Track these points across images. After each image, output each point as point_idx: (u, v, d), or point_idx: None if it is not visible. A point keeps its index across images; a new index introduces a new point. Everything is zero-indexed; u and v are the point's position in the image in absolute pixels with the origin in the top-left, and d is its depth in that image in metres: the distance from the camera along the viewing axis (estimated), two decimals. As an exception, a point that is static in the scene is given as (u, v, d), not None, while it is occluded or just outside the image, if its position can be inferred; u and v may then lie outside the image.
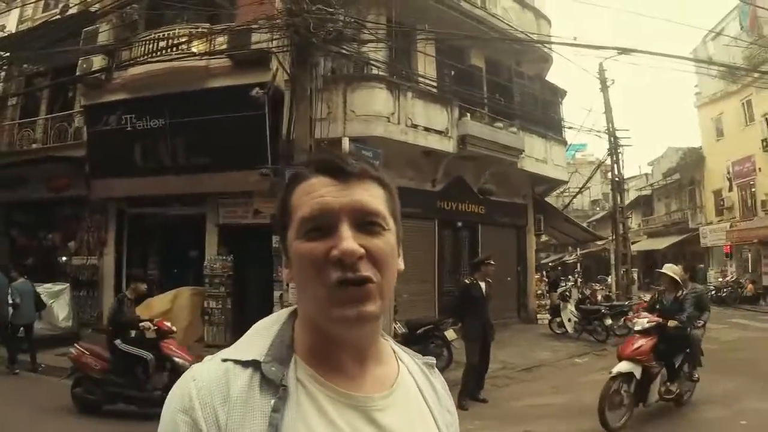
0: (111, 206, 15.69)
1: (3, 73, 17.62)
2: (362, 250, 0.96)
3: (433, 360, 1.25)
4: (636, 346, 7.57)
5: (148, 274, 15.47)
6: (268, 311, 7.77)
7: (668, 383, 8.02)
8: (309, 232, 0.99)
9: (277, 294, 11.61)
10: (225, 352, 1.02)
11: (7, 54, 16.68)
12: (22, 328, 11.59)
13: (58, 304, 13.30)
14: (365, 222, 1.00)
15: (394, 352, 1.16)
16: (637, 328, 7.97)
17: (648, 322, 7.87)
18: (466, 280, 9.97)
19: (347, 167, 1.01)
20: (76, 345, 8.66)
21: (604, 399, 7.12)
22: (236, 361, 0.99)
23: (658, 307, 8.38)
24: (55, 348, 12.36)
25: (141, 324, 8.49)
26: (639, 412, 7.72)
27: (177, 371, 7.60)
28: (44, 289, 13.11)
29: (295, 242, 1.00)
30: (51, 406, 8.63)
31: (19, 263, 16.34)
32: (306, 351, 1.03)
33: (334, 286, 0.96)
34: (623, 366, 7.39)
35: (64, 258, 16.33)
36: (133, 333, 8.48)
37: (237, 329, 12.96)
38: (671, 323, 7.72)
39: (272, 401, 0.94)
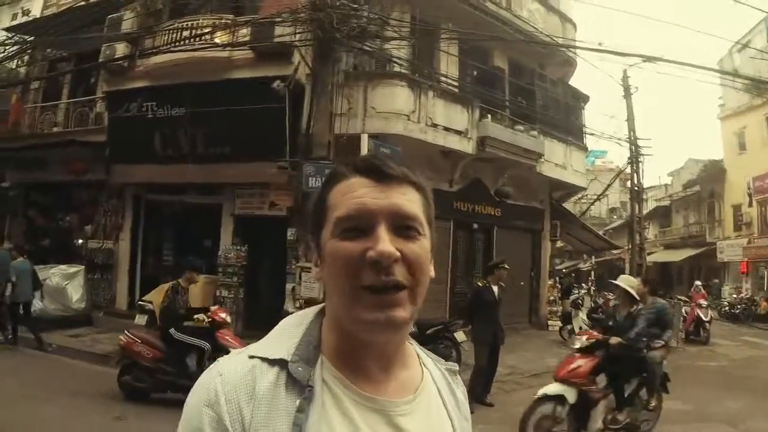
0: (128, 192, 15.79)
1: (27, 57, 17.74)
2: (398, 253, 0.96)
3: (456, 366, 1.24)
4: (572, 367, 6.81)
5: (162, 260, 15.61)
6: (281, 303, 7.87)
7: (616, 411, 7.03)
8: (345, 232, 0.98)
9: (289, 286, 11.60)
10: (252, 349, 1.02)
11: (32, 38, 16.84)
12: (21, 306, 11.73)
13: (72, 285, 13.42)
14: (402, 226, 0.99)
15: (418, 356, 1.16)
16: (575, 345, 7.29)
17: (587, 340, 7.21)
18: (479, 283, 9.91)
19: (387, 170, 1.02)
20: (126, 333, 8.63)
21: (525, 421, 6.56)
22: (263, 359, 0.98)
23: (611, 323, 7.52)
24: (67, 329, 12.51)
25: (196, 316, 8.56)
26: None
27: None
28: (59, 270, 13.26)
29: (330, 241, 0.99)
30: (59, 386, 8.72)
31: (35, 243, 16.62)
32: (332, 352, 1.03)
33: (366, 289, 0.95)
34: (551, 388, 6.68)
35: (80, 241, 16.45)
36: (187, 323, 8.51)
37: (248, 319, 13.24)
38: (613, 341, 6.82)
39: (297, 401, 0.94)
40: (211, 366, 1.01)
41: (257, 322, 13.82)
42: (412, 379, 1.10)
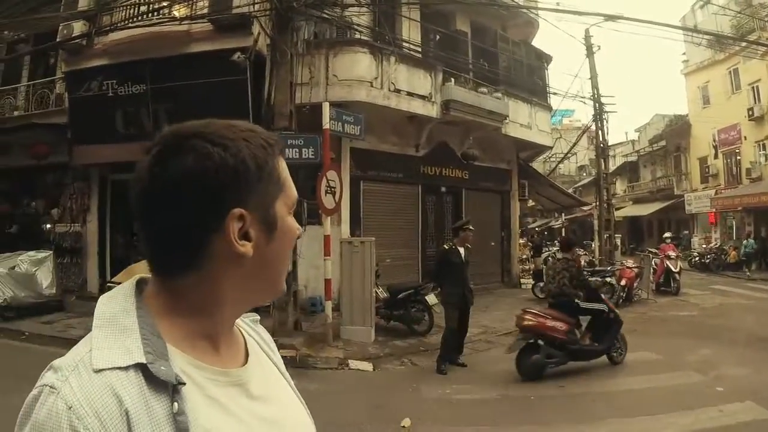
0: (93, 173, 15.61)
1: (-17, 41, 17.35)
2: None
3: (257, 316, 1.24)
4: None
5: (134, 241, 15.50)
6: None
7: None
8: (290, 211, 1.03)
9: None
10: (93, 359, 0.84)
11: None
12: None
13: (42, 271, 13.20)
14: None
15: None
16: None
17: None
18: (445, 246, 9.96)
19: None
20: (528, 312, 8.71)
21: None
22: (115, 369, 0.83)
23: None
24: (39, 316, 12.37)
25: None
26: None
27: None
28: (27, 257, 13.06)
29: (289, 218, 1.02)
30: (32, 374, 8.66)
31: (1, 231, 16.39)
32: (176, 334, 0.93)
33: None
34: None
35: (47, 225, 16.28)
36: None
37: None
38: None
39: (174, 404, 0.84)
40: (37, 397, 0.82)
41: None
42: (239, 342, 1.09)
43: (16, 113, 16.91)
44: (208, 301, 0.96)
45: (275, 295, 1.07)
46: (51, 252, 14.06)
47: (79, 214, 15.70)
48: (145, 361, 0.84)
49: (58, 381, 0.82)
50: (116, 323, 0.90)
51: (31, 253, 13.43)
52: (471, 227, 9.76)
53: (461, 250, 9.43)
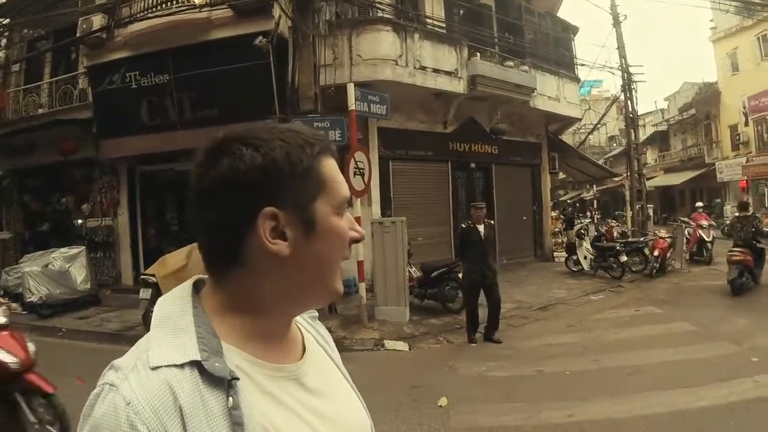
0: (121, 165, 15.62)
1: (4, 41, 17.44)
2: None
3: (315, 312, 1.25)
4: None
5: (170, 229, 15.62)
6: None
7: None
8: (340, 210, 1.01)
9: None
10: (150, 358, 0.87)
11: (7, 20, 16.50)
12: None
13: (75, 267, 13.25)
14: None
15: None
16: None
17: None
18: (463, 225, 10.01)
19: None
20: (733, 250, 12.18)
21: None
22: (171, 366, 0.86)
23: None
24: (75, 311, 12.47)
25: None
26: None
27: None
28: (60, 254, 13.14)
29: (333, 217, 0.99)
30: (71, 369, 8.68)
31: (34, 229, 16.61)
32: (231, 332, 0.96)
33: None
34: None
35: (78, 221, 16.36)
36: None
37: None
38: None
39: (229, 399, 0.86)
40: (99, 395, 0.85)
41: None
42: (297, 338, 1.11)
43: (40, 111, 16.97)
44: (258, 299, 0.98)
45: (329, 296, 1.05)
46: (83, 247, 14.14)
47: (110, 208, 15.75)
48: (200, 358, 0.86)
49: (117, 379, 0.85)
50: (173, 323, 0.93)
51: (64, 249, 13.50)
52: (480, 205, 9.76)
53: (480, 227, 9.40)
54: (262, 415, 0.90)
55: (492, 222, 9.86)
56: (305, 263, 0.97)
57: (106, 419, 0.81)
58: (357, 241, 1.03)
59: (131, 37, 14.08)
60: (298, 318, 1.13)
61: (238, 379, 0.88)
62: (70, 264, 13.22)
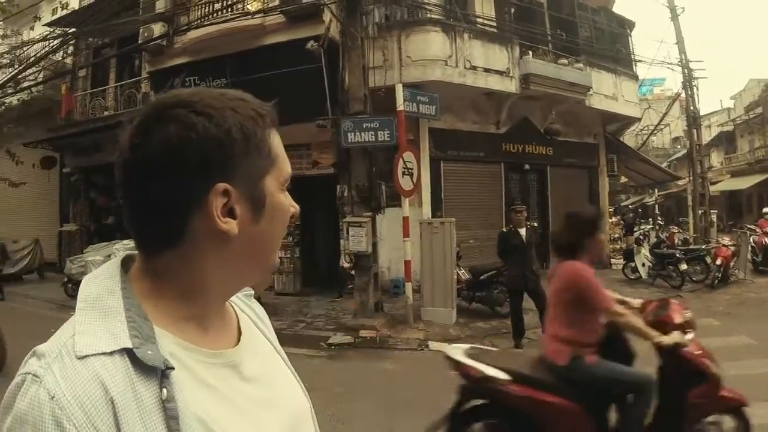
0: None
1: (71, 48, 18.38)
2: None
3: (250, 291, 1.18)
4: None
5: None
6: (335, 259, 8.00)
7: None
8: (283, 188, 0.97)
9: (342, 243, 11.77)
10: (76, 345, 0.79)
11: (73, 30, 17.25)
12: None
13: (136, 258, 13.87)
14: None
15: None
16: None
17: None
18: (504, 229, 9.97)
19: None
20: None
21: None
22: (100, 354, 0.78)
23: None
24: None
25: None
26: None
27: None
28: (122, 245, 13.66)
29: (279, 194, 0.95)
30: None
31: (99, 223, 18.16)
32: (163, 315, 0.89)
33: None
34: None
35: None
36: None
37: (306, 277, 13.82)
38: None
39: (164, 391, 0.79)
40: (20, 385, 0.77)
41: (314, 279, 14.14)
42: (232, 319, 1.05)
43: (106, 113, 17.90)
44: (194, 282, 0.91)
45: (268, 273, 1.01)
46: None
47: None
48: (131, 346, 0.79)
49: (41, 369, 0.77)
50: (100, 305, 0.85)
51: (126, 241, 14.01)
52: (519, 208, 9.58)
53: (522, 231, 9.27)
54: (199, 407, 0.83)
55: (535, 225, 9.77)
56: (251, 242, 0.91)
57: (29, 415, 0.73)
58: (293, 217, 0.99)
59: (189, 44, 14.58)
60: (232, 298, 1.07)
61: (173, 368, 0.81)
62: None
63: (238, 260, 0.92)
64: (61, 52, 18.04)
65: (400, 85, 10.91)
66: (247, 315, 1.11)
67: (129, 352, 0.79)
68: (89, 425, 0.73)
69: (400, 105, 10.62)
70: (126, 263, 0.93)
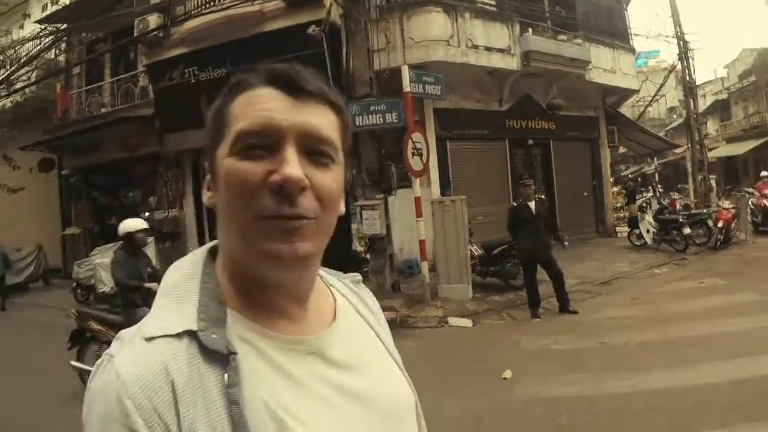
0: (185, 159, 16.06)
1: (64, 45, 18.10)
2: (307, 181, 0.82)
3: (359, 276, 1.15)
4: None
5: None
6: (348, 244, 7.97)
7: None
8: (245, 150, 0.82)
9: (354, 226, 11.77)
10: (145, 327, 0.81)
11: (65, 26, 17.08)
12: None
13: (145, 258, 13.73)
14: (315, 150, 0.84)
15: (321, 277, 1.03)
16: None
17: None
18: (514, 203, 10.07)
19: (304, 83, 0.85)
20: None
21: None
22: (165, 337, 0.78)
23: None
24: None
25: None
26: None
27: None
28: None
29: (227, 159, 0.83)
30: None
31: (102, 224, 17.37)
32: (238, 299, 0.87)
33: (265, 218, 0.81)
34: None
35: (146, 213, 16.85)
36: None
37: (321, 264, 13.47)
38: None
39: (225, 375, 0.76)
40: (101, 362, 0.79)
41: (326, 266, 14.14)
42: (327, 305, 1.00)
43: (103, 110, 17.65)
44: (230, 264, 0.88)
45: (251, 260, 0.85)
46: (152, 238, 14.59)
47: (176, 200, 16.28)
48: (195, 328, 0.79)
49: (116, 350, 0.80)
50: (177, 289, 0.86)
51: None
52: (527, 182, 9.72)
53: (531, 204, 9.44)
54: (269, 394, 0.80)
55: (543, 197, 9.87)
56: (220, 216, 0.87)
57: (99, 392, 0.76)
58: (280, 187, 0.80)
59: (187, 33, 14.46)
60: (335, 282, 1.06)
61: (236, 353, 0.79)
62: (140, 255, 13.66)
63: (222, 236, 0.88)
64: (54, 50, 17.75)
65: (406, 66, 10.90)
66: (349, 301, 1.05)
67: (195, 336, 0.78)
68: (148, 404, 0.73)
69: (407, 86, 10.61)
70: (214, 249, 0.93)
